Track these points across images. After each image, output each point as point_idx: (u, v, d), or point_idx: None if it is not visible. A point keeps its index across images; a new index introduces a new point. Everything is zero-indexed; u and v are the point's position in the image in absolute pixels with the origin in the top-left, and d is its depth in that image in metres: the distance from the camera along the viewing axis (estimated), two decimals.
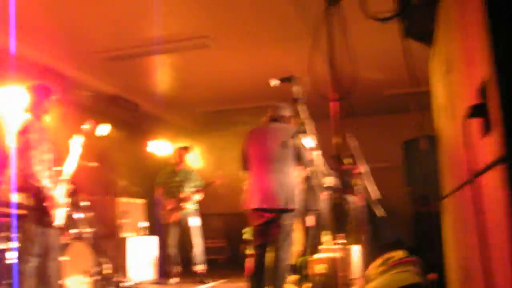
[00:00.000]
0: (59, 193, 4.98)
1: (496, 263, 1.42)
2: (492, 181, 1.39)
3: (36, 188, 4.75)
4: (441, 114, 2.54)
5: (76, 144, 5.38)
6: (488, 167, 1.40)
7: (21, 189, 4.79)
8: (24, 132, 4.80)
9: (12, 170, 4.94)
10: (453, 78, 2.06)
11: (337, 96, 2.58)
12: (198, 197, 8.10)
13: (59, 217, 4.96)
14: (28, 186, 4.77)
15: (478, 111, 1.42)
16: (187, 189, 8.08)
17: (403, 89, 8.34)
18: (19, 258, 4.81)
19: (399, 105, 8.86)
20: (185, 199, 8.01)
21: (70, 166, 5.26)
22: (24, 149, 4.77)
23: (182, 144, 8.72)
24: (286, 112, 5.57)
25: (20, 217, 4.97)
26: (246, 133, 5.70)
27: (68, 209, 5.09)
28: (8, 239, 5.27)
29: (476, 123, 1.54)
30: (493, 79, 1.29)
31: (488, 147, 1.42)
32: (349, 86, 2.60)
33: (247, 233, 7.57)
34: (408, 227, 8.50)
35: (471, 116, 1.45)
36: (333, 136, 2.75)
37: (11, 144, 4.94)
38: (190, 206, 8.08)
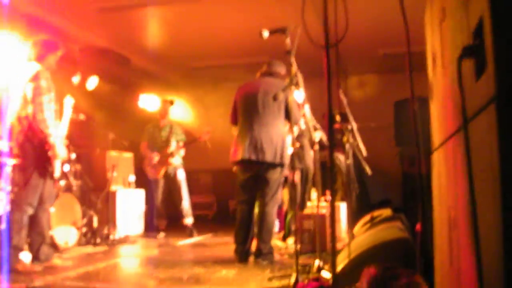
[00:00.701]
0: (60, 145, 4.98)
1: (481, 207, 1.40)
2: (483, 124, 1.36)
3: (43, 135, 4.75)
4: (435, 65, 2.49)
5: (68, 105, 5.36)
6: (481, 110, 1.37)
7: (26, 136, 4.77)
8: (35, 78, 4.78)
9: (8, 118, 4.91)
10: (447, 25, 2.01)
11: (330, 43, 2.51)
12: (182, 152, 8.09)
13: (58, 168, 4.97)
14: (35, 133, 4.76)
15: (471, 51, 1.38)
16: (173, 144, 8.06)
17: (397, 49, 8.26)
18: (16, 206, 4.80)
19: (392, 65, 8.80)
20: (171, 154, 7.99)
21: (64, 123, 5.26)
22: (35, 95, 4.76)
23: (168, 97, 8.65)
24: (281, 69, 5.55)
25: (19, 166, 4.96)
26: (238, 88, 5.67)
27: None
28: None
29: (468, 66, 1.50)
30: (488, 16, 1.24)
31: (481, 90, 1.38)
32: (341, 34, 2.53)
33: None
34: (397, 187, 8.55)
35: (464, 57, 1.41)
36: (325, 91, 2.69)
37: (14, 91, 4.90)
38: (176, 160, 8.07)
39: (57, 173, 5.00)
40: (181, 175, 8.09)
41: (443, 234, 2.31)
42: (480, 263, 1.37)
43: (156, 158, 8.00)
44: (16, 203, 4.83)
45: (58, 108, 5.11)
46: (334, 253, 2.21)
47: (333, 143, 2.77)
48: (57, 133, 4.97)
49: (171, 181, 8.07)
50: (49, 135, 4.76)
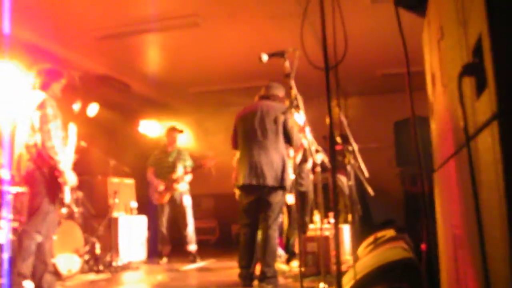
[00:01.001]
0: (69, 171, 4.99)
1: (488, 225, 1.39)
2: (486, 141, 1.36)
3: (53, 162, 4.77)
4: (434, 84, 2.50)
5: (72, 132, 5.39)
6: (483, 127, 1.37)
7: (36, 164, 4.78)
8: (41, 107, 4.82)
9: (15, 147, 4.94)
10: (445, 44, 2.02)
11: (328, 65, 2.53)
12: (188, 178, 8.09)
13: (68, 194, 4.99)
14: (44, 160, 4.78)
15: (471, 69, 1.39)
16: (179, 169, 8.05)
17: (395, 69, 8.32)
18: (25, 234, 4.79)
19: (391, 85, 8.84)
20: (177, 180, 7.98)
21: (70, 149, 5.28)
22: (42, 123, 4.79)
23: (173, 124, 8.66)
24: (279, 91, 5.57)
25: (29, 193, 4.96)
26: (237, 112, 5.68)
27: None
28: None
29: (469, 84, 1.50)
30: (487, 33, 1.25)
31: (482, 107, 1.39)
32: (340, 56, 2.55)
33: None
34: (399, 207, 8.52)
35: (464, 74, 1.41)
36: (326, 114, 2.70)
37: (20, 120, 4.94)
38: (182, 186, 8.05)
39: (67, 200, 5.02)
40: (187, 201, 8.07)
41: (448, 253, 2.29)
42: (488, 282, 1.36)
43: (161, 186, 7.99)
44: (25, 231, 4.81)
45: (64, 135, 5.13)
46: (340, 274, 2.20)
47: (335, 164, 2.77)
48: (66, 159, 4.98)
49: (176, 207, 8.04)
50: (58, 162, 4.78)
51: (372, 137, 9.35)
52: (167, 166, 8.11)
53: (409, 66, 2.48)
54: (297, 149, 5.95)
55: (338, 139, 6.23)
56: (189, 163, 8.21)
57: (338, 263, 2.39)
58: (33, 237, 4.79)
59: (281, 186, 5.23)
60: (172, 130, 8.35)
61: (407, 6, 2.59)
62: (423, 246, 2.24)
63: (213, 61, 8.35)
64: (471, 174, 1.46)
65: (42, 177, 4.81)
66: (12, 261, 4.93)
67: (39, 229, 4.82)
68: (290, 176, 5.34)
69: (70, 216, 6.64)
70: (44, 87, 5.05)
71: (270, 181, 5.18)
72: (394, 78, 8.30)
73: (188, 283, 6.05)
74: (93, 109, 8.21)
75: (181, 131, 8.40)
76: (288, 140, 5.33)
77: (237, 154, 7.58)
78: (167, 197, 7.99)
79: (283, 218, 6.89)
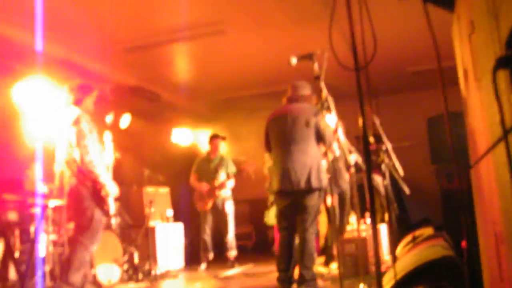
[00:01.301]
0: (110, 182, 5.07)
1: None
2: None
3: (93, 176, 4.87)
4: (467, 79, 2.47)
5: (108, 141, 5.48)
6: None
7: (78, 179, 4.89)
8: (76, 122, 4.92)
9: (58, 164, 5.04)
10: (477, 38, 1.99)
11: (359, 66, 2.52)
12: (231, 183, 8.09)
13: (112, 205, 5.07)
14: (85, 175, 4.88)
15: (505, 62, 1.36)
16: (223, 175, 8.09)
17: (426, 66, 8.22)
18: (81, 245, 4.90)
19: (422, 82, 8.74)
20: (220, 186, 8.02)
21: (108, 158, 5.36)
22: (78, 139, 4.89)
23: (209, 132, 8.71)
24: (306, 90, 5.46)
25: (79, 209, 5.06)
26: (268, 117, 5.65)
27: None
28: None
29: (503, 77, 1.48)
30: None
31: None
32: (369, 55, 2.53)
33: (268, 217, 7.55)
34: (436, 205, 8.40)
35: (498, 68, 1.39)
36: (357, 114, 2.69)
37: (58, 136, 5.04)
38: (225, 193, 8.09)
39: (111, 211, 5.11)
40: (229, 208, 8.10)
41: (489, 250, 2.25)
42: None
43: (204, 187, 8.02)
44: (81, 242, 4.90)
45: (100, 147, 5.22)
46: (380, 274, 2.18)
47: (370, 164, 2.75)
48: (105, 170, 5.07)
49: (219, 213, 8.09)
50: (98, 176, 4.87)
51: (406, 135, 9.26)
52: (209, 173, 8.15)
53: (440, 61, 2.45)
54: (330, 149, 5.90)
55: (371, 139, 6.19)
56: (232, 169, 8.23)
57: (378, 263, 2.37)
58: (89, 249, 4.91)
59: (316, 187, 5.16)
60: (214, 138, 8.39)
61: (436, 2, 2.56)
62: (463, 244, 2.20)
63: (242, 67, 8.38)
64: (509, 168, 1.43)
65: (87, 191, 4.90)
66: (53, 272, 5.03)
67: (94, 240, 4.94)
68: (325, 177, 5.26)
69: (108, 226, 6.74)
70: (78, 102, 5.14)
71: (303, 184, 5.13)
72: (425, 75, 8.22)
73: None
74: (125, 120, 8.31)
75: (223, 138, 8.44)
76: (322, 141, 5.26)
77: (267, 158, 7.59)
78: (210, 204, 8.03)
79: (321, 220, 6.82)
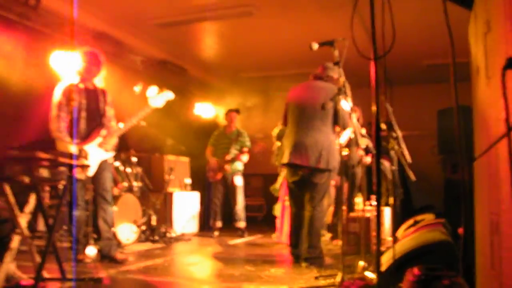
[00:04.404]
0: (87, 148, 5.08)
1: None
2: None
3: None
4: (478, 76, 2.46)
5: (142, 113, 5.46)
6: None
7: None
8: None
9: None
10: (491, 38, 1.99)
11: (376, 55, 2.52)
12: (245, 158, 8.12)
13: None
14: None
15: None
16: (234, 150, 8.13)
17: (441, 60, 8.13)
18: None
19: (436, 76, 8.66)
20: (231, 160, 8.07)
21: (127, 126, 5.37)
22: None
23: (229, 107, 8.72)
24: (334, 73, 5.26)
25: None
26: (289, 90, 5.54)
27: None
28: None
29: None
30: None
31: None
32: (388, 46, 2.53)
33: (275, 190, 7.59)
34: (439, 193, 8.39)
35: (508, 67, 1.39)
36: (372, 101, 2.70)
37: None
38: (235, 167, 8.15)
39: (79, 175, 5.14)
40: (238, 181, 8.16)
41: (484, 238, 2.27)
42: None
43: (214, 164, 8.10)
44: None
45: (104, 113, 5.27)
46: (379, 252, 2.21)
47: (380, 151, 2.76)
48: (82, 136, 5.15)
49: (228, 185, 8.16)
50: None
51: (416, 125, 9.22)
52: (223, 147, 8.20)
53: (455, 57, 2.44)
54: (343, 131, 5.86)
55: (383, 126, 6.17)
56: (248, 143, 8.27)
57: (378, 242, 2.39)
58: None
59: (325, 168, 5.03)
60: (230, 111, 8.44)
61: (455, 0, 2.54)
62: (460, 230, 2.22)
63: (265, 48, 8.36)
64: (510, 162, 1.44)
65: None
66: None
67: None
68: (336, 159, 5.16)
69: (130, 189, 6.83)
70: (85, 70, 5.21)
71: (313, 162, 5.00)
72: (439, 69, 8.12)
73: (235, 256, 6.13)
74: (153, 91, 8.34)
75: (238, 112, 8.45)
76: (337, 121, 5.12)
77: (275, 133, 7.57)
78: (219, 176, 8.10)
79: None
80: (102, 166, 5.20)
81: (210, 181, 8.26)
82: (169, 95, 5.63)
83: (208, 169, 8.25)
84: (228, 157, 8.06)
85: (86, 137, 5.13)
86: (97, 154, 5.16)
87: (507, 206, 1.64)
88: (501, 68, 1.50)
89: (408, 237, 4.02)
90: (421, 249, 3.17)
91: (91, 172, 5.09)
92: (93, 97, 5.26)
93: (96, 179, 5.17)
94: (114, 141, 5.32)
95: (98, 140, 5.19)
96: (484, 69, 2.21)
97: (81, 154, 4.99)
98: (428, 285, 2.09)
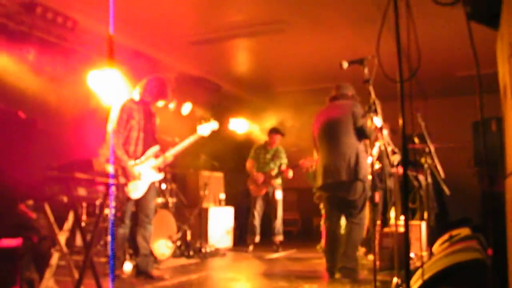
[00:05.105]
0: (141, 168, 5.18)
1: None
2: None
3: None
4: (505, 96, 2.46)
5: (192, 139, 5.62)
6: None
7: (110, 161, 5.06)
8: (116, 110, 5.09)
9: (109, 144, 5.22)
10: None
11: (403, 77, 2.54)
12: (291, 174, 8.16)
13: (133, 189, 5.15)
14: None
15: None
16: (275, 166, 8.20)
17: (473, 71, 8.02)
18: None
19: (470, 87, 8.56)
20: (275, 176, 8.14)
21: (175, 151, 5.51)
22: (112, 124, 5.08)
23: (264, 123, 8.80)
24: (349, 91, 5.53)
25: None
26: (314, 116, 5.71)
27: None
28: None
29: None
30: None
31: None
32: (415, 68, 2.55)
33: (310, 178, 7.55)
34: (476, 206, 8.25)
35: None
36: (400, 116, 2.72)
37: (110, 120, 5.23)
38: (277, 181, 8.21)
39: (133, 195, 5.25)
40: (279, 196, 8.22)
41: None
42: None
43: (261, 178, 8.16)
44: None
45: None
46: (408, 274, 2.22)
47: (407, 165, 2.78)
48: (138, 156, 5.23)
49: (269, 200, 8.21)
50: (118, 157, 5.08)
51: (451, 137, 9.10)
52: (265, 162, 8.28)
53: (484, 69, 2.45)
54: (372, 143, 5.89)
55: (416, 140, 6.16)
56: (285, 161, 8.35)
57: (407, 260, 2.40)
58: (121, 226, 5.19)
59: (356, 179, 5.15)
60: (275, 133, 8.43)
61: (480, 21, 2.55)
62: (489, 251, 2.21)
63: (297, 63, 8.44)
64: None
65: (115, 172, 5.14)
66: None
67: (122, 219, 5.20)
68: (366, 170, 5.22)
69: (165, 205, 6.95)
70: (146, 92, 5.30)
71: (344, 176, 5.13)
72: (472, 80, 8.03)
73: (270, 272, 6.16)
74: (186, 108, 8.51)
75: (282, 134, 8.50)
76: (363, 135, 5.25)
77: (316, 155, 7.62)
78: (264, 190, 8.17)
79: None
80: (150, 186, 5.32)
81: (252, 195, 8.31)
82: (214, 125, 5.86)
83: (250, 183, 8.31)
84: (274, 173, 8.14)
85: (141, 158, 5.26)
86: (149, 175, 5.28)
87: None
88: None
89: (441, 254, 3.98)
90: (451, 268, 3.14)
91: (141, 192, 5.21)
92: (149, 118, 5.38)
93: (142, 198, 5.27)
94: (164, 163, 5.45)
95: (152, 162, 5.32)
96: (510, 91, 2.22)
97: (133, 175, 5.12)
98: None
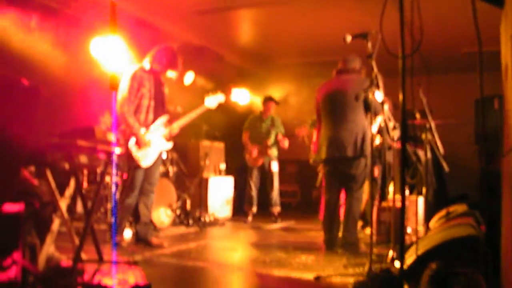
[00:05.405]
0: (152, 136, 5.21)
1: None
2: None
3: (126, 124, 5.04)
4: (506, 75, 2.47)
5: (198, 111, 5.64)
6: None
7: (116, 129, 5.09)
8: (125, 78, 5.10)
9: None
10: None
11: (405, 53, 2.55)
12: (287, 143, 8.16)
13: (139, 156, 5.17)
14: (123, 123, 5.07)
15: None
16: (272, 136, 8.22)
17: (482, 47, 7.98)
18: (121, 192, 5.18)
19: (474, 63, 8.52)
20: (271, 146, 8.16)
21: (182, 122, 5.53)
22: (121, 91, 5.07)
23: (265, 94, 8.77)
24: (356, 63, 5.46)
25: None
26: (318, 89, 5.69)
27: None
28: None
29: None
30: None
31: None
32: (417, 43, 2.56)
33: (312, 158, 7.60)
34: (475, 183, 8.30)
35: None
36: (407, 91, 2.74)
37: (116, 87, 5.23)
38: (273, 152, 8.24)
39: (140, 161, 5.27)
40: (275, 167, 8.26)
41: (507, 236, 2.30)
42: None
43: (255, 151, 8.19)
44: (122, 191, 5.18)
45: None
46: (403, 250, 2.26)
47: (406, 139, 2.80)
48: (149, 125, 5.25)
49: (266, 171, 8.26)
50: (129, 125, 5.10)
51: (453, 114, 9.10)
52: (261, 132, 8.29)
53: (481, 47, 2.46)
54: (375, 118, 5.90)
55: (417, 115, 6.17)
56: (281, 130, 8.35)
57: (402, 234, 2.45)
58: (125, 196, 5.23)
59: (361, 155, 5.21)
60: (269, 100, 8.44)
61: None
62: (482, 227, 2.25)
63: (300, 36, 8.40)
64: None
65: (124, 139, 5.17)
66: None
67: (128, 189, 5.24)
68: (370, 146, 5.25)
69: (166, 174, 7.00)
70: (155, 61, 5.29)
71: (350, 152, 5.18)
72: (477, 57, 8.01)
73: (267, 242, 6.24)
74: (189, 77, 8.48)
75: (277, 103, 8.50)
76: (369, 111, 5.23)
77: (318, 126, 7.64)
78: (260, 161, 8.21)
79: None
80: (158, 155, 5.37)
81: (249, 166, 8.34)
82: (221, 98, 5.94)
83: (246, 154, 8.35)
84: (270, 143, 8.15)
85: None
86: (159, 143, 5.32)
87: None
88: None
89: (437, 230, 4.04)
90: (445, 243, 3.19)
91: (151, 160, 5.25)
92: (159, 87, 5.38)
93: (149, 166, 5.30)
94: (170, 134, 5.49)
95: (162, 130, 5.34)
96: (511, 70, 2.23)
97: (145, 142, 5.15)
98: (444, 280, 2.13)
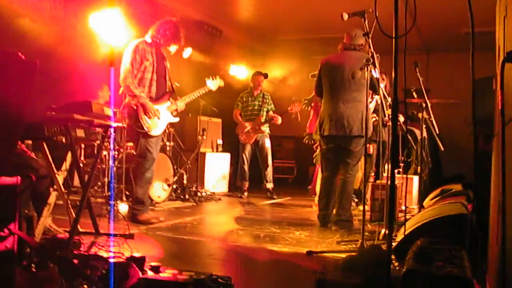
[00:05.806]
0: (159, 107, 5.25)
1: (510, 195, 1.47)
2: None
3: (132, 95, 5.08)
4: (499, 57, 2.50)
5: (201, 91, 5.89)
6: None
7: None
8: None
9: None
10: (508, 22, 2.03)
11: (399, 33, 2.57)
12: (279, 120, 8.23)
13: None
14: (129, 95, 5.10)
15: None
16: (263, 113, 8.25)
17: (480, 28, 7.96)
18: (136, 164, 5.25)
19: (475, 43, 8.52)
20: (265, 122, 8.20)
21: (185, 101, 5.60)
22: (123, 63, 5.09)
23: (260, 69, 8.77)
24: (361, 40, 5.36)
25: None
26: (322, 61, 5.63)
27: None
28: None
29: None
30: None
31: None
32: (412, 23, 2.57)
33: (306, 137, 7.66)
34: (471, 163, 8.36)
35: (507, 61, 1.46)
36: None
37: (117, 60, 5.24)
38: (265, 129, 8.28)
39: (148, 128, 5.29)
40: (268, 144, 8.32)
41: (493, 216, 2.36)
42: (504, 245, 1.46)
43: (248, 127, 8.23)
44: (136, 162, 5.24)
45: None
46: (392, 230, 2.30)
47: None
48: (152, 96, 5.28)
49: (259, 148, 8.32)
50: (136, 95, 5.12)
51: (452, 93, 9.13)
52: (253, 109, 8.33)
53: (474, 27, 2.48)
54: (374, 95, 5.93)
55: (414, 94, 6.19)
56: (272, 107, 8.38)
57: (392, 214, 2.50)
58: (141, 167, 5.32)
59: (364, 134, 5.21)
60: (258, 75, 8.46)
61: None
62: (469, 206, 2.31)
63: (299, 12, 8.37)
64: (501, 153, 1.53)
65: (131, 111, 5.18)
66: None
67: (143, 159, 5.31)
68: (370, 124, 5.30)
69: (163, 149, 7.04)
70: (157, 35, 5.29)
71: (356, 131, 5.19)
72: (478, 37, 8.00)
73: (262, 218, 6.31)
74: (187, 52, 8.47)
75: (265, 76, 8.51)
76: (372, 88, 5.23)
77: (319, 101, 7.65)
78: (253, 138, 8.25)
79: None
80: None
81: (242, 142, 8.39)
82: (221, 82, 6.38)
83: (239, 131, 8.39)
84: (263, 119, 8.19)
85: (157, 100, 5.30)
86: (166, 116, 5.36)
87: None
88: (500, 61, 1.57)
89: (429, 208, 4.10)
90: (434, 221, 3.25)
91: (160, 130, 5.32)
92: (161, 61, 5.39)
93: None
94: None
95: (167, 104, 5.38)
96: (502, 51, 2.26)
97: (154, 111, 5.19)
98: (428, 257, 2.19)
